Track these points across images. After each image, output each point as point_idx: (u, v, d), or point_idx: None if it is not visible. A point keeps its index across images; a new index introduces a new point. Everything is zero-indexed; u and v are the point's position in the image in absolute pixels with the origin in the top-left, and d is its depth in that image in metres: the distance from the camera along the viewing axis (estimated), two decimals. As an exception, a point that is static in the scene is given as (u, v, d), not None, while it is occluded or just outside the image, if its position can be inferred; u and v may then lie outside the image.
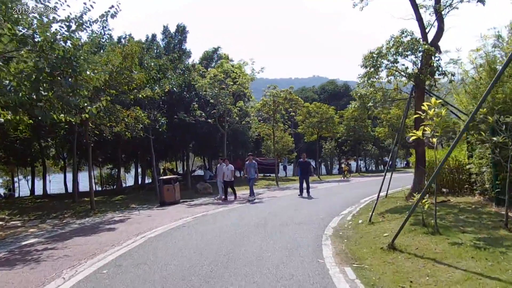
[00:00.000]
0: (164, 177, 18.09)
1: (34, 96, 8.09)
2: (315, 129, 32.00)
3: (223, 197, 16.95)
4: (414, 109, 13.09)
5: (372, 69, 11.78)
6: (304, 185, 16.80)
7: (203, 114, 23.21)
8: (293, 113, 29.20)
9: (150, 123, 18.53)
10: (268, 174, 36.17)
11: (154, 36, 30.09)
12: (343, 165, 33.61)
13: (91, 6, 9.92)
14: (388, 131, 39.10)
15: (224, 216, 11.74)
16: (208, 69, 24.43)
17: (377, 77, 12.11)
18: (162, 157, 34.05)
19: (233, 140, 30.57)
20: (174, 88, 21.17)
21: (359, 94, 13.86)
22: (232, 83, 23.56)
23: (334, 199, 15.54)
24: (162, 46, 28.50)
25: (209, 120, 23.48)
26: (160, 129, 19.65)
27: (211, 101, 23.78)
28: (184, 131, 24.53)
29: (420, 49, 11.46)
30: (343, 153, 41.57)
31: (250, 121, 27.06)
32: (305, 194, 16.59)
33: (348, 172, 30.90)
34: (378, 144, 41.02)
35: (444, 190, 12.86)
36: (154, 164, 23.19)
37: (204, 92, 23.57)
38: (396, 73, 12.06)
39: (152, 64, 18.65)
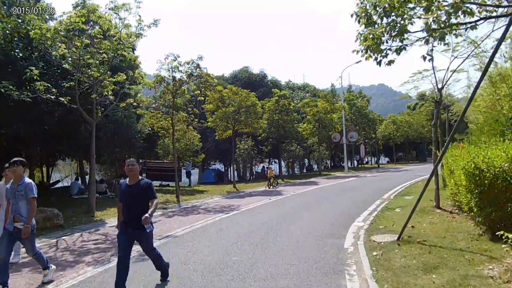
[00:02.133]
0: None
1: None
2: (231, 122, 23.78)
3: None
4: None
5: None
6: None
7: (52, 89, 13.33)
8: (202, 98, 20.57)
9: None
10: (166, 184, 26.89)
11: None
12: (267, 170, 26.01)
13: None
14: (314, 128, 32.71)
15: None
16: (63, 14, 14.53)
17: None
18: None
19: (113, 135, 20.84)
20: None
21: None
22: (102, 36, 14.09)
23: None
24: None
25: (62, 99, 13.64)
26: None
27: (66, 66, 14.03)
28: (15, 116, 14.31)
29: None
30: (261, 154, 34.21)
31: (139, 104, 17.71)
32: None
33: (275, 179, 23.31)
34: (302, 143, 34.54)
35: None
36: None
37: (55, 52, 13.78)
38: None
39: None
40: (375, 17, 7.21)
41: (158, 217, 13.06)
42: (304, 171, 40.70)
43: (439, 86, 12.00)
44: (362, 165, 44.72)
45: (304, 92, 47.70)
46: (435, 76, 12.46)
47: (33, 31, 12.73)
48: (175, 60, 18.66)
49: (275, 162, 42.19)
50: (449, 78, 12.05)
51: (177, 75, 19.17)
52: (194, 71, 19.08)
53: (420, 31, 6.98)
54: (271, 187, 22.56)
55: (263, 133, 28.32)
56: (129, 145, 22.84)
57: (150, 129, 23.09)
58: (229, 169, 36.59)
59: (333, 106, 33.17)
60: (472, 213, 8.04)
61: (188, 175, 29.06)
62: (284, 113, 27.95)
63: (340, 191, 18.68)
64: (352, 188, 19.74)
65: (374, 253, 6.95)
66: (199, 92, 20.02)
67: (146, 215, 5.13)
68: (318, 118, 31.83)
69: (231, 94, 23.92)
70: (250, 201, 16.37)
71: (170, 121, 19.84)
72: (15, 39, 14.10)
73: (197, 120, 21.67)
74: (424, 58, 7.48)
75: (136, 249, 6.79)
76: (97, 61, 14.36)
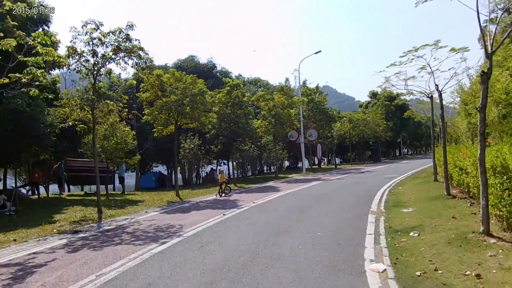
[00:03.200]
0: None
1: None
2: (173, 115, 19.14)
3: None
4: None
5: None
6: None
7: None
8: (134, 81, 15.78)
9: None
10: (91, 190, 21.68)
11: None
12: (218, 174, 21.69)
13: None
14: (270, 125, 28.91)
15: None
16: None
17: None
18: None
19: (13, 131, 15.54)
20: None
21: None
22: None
23: None
24: None
25: None
26: None
27: None
28: None
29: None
30: (210, 154, 29.67)
31: (42, 85, 12.61)
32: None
33: (227, 185, 19.03)
34: (256, 142, 30.62)
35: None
36: None
37: None
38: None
39: None
40: None
41: (56, 250, 8.39)
42: (257, 173, 36.83)
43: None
44: (319, 167, 41.75)
45: (256, 87, 43.94)
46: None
47: None
48: (96, 30, 13.86)
49: (224, 164, 37.86)
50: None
51: (100, 50, 14.36)
52: (122, 44, 14.34)
53: None
54: (223, 194, 18.30)
55: (213, 130, 23.90)
56: (38, 144, 17.50)
57: (65, 122, 17.77)
58: (172, 172, 31.76)
59: (291, 100, 29.60)
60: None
61: (121, 180, 23.90)
62: (237, 106, 23.77)
63: (312, 201, 14.87)
64: (325, 196, 16.04)
65: None
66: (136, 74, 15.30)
67: None
68: (274, 114, 28.07)
69: (173, 81, 19.28)
70: (197, 218, 11.99)
71: (90, 112, 14.90)
72: None
73: (127, 111, 16.86)
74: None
75: None
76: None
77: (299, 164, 52.59)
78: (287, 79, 41.57)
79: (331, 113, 36.69)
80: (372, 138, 50.37)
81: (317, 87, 38.88)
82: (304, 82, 39.69)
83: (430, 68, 11.88)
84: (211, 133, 23.91)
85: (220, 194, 18.39)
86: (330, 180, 24.34)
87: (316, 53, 32.14)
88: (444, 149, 13.81)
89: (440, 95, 13.69)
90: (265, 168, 43.47)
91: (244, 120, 23.91)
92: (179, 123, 19.72)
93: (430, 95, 15.63)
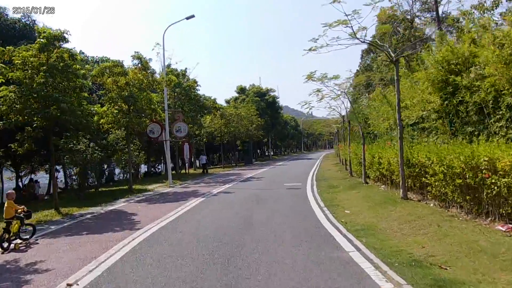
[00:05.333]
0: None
1: None
2: None
3: None
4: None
5: None
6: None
7: None
8: None
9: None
10: None
11: None
12: (7, 197, 11.11)
13: None
14: (120, 114, 19.28)
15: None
16: None
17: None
18: None
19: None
20: None
21: None
22: None
23: None
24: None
25: None
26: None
27: None
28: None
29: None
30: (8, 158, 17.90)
31: None
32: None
33: (22, 226, 9.12)
34: (98, 139, 20.32)
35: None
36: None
37: None
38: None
39: None
40: None
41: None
42: (103, 181, 26.02)
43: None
44: (186, 172, 33.03)
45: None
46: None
47: None
48: None
49: (45, 172, 25.77)
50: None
51: None
52: None
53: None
54: (11, 247, 8.47)
55: (9, 113, 12.88)
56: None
57: None
58: None
59: (152, 78, 20.41)
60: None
61: None
62: (60, 75, 13.54)
63: (209, 261, 6.42)
64: (230, 241, 7.80)
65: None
66: None
67: None
68: (128, 95, 18.55)
69: None
70: None
71: None
72: None
73: None
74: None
75: None
76: None
77: (160, 168, 42.84)
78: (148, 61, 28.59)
79: (205, 103, 28.33)
80: (245, 137, 44.21)
81: (185, 70, 29.86)
82: (169, 65, 29.92)
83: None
84: (6, 122, 12.93)
85: (2, 248, 8.41)
86: (213, 196, 16.17)
87: (188, 18, 23.51)
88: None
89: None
90: (119, 174, 32.66)
91: (73, 98, 13.76)
92: None
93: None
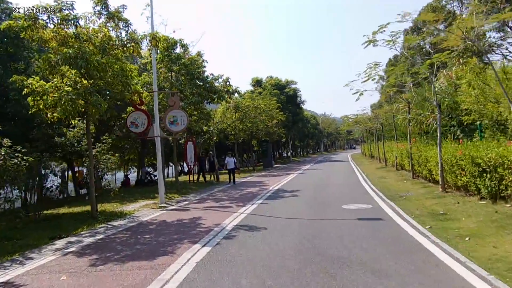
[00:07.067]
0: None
1: None
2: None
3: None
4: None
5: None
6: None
7: None
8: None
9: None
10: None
11: None
12: None
13: None
14: (78, 89, 11.54)
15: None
16: None
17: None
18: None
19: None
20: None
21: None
22: None
23: None
24: None
25: None
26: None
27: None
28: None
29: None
30: None
31: None
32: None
33: None
34: (46, 136, 12.74)
35: None
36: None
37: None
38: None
39: None
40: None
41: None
42: (55, 196, 17.60)
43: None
44: (191, 180, 25.22)
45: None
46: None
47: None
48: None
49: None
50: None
51: None
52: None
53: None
54: None
55: None
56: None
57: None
58: None
59: (131, 35, 12.66)
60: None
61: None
62: None
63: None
64: None
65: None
66: None
67: None
68: (76, 55, 10.81)
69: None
70: None
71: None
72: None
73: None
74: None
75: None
76: None
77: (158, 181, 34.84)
78: (120, 11, 16.86)
79: (215, 87, 19.91)
80: (265, 136, 36.31)
81: (186, 44, 21.50)
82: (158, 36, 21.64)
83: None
84: None
85: None
86: (226, 239, 8.29)
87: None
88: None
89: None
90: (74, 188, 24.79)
91: None
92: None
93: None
